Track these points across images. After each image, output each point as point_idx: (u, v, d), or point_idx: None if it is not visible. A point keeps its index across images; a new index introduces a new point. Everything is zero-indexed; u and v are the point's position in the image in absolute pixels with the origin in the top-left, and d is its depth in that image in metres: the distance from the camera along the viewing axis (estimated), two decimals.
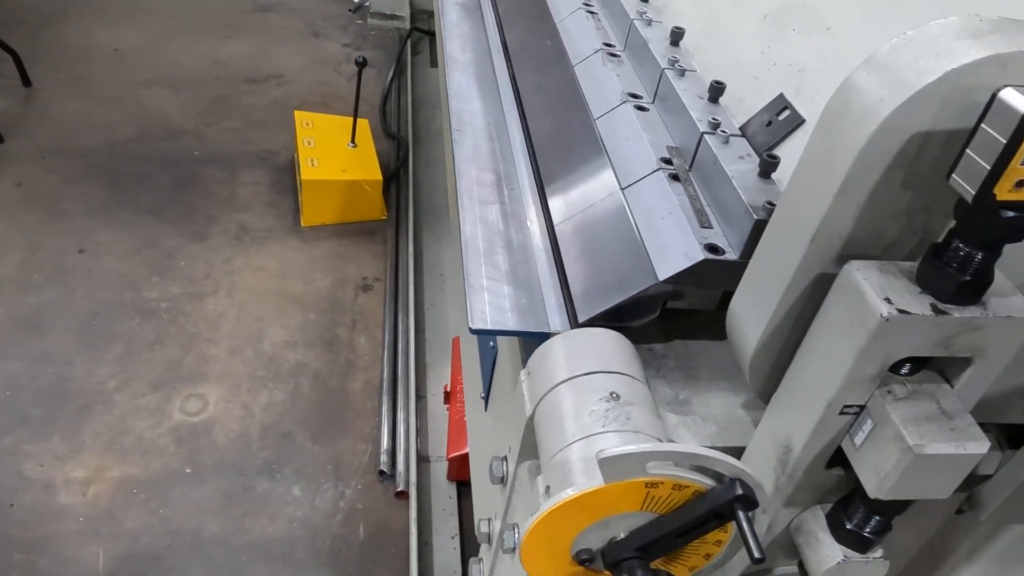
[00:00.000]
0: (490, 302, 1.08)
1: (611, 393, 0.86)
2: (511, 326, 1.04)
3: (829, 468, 0.79)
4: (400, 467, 2.37)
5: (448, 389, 2.50)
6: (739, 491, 0.72)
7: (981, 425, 0.99)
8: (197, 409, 2.50)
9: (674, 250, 1.03)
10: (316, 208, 3.31)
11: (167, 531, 2.17)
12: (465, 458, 2.27)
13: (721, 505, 0.73)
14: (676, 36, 1.39)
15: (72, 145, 3.55)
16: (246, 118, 3.97)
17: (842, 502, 0.80)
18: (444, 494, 2.35)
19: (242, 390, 2.59)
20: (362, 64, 3.29)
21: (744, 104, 1.24)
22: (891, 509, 0.76)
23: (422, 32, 4.94)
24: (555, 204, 1.26)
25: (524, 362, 1.17)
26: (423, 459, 2.43)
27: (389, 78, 4.44)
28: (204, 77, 4.25)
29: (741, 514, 0.72)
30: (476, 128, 1.48)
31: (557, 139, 1.39)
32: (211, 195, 3.41)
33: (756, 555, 0.69)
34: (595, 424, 0.82)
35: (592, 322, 1.04)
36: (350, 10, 5.32)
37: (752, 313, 0.81)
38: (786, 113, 1.17)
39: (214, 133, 3.82)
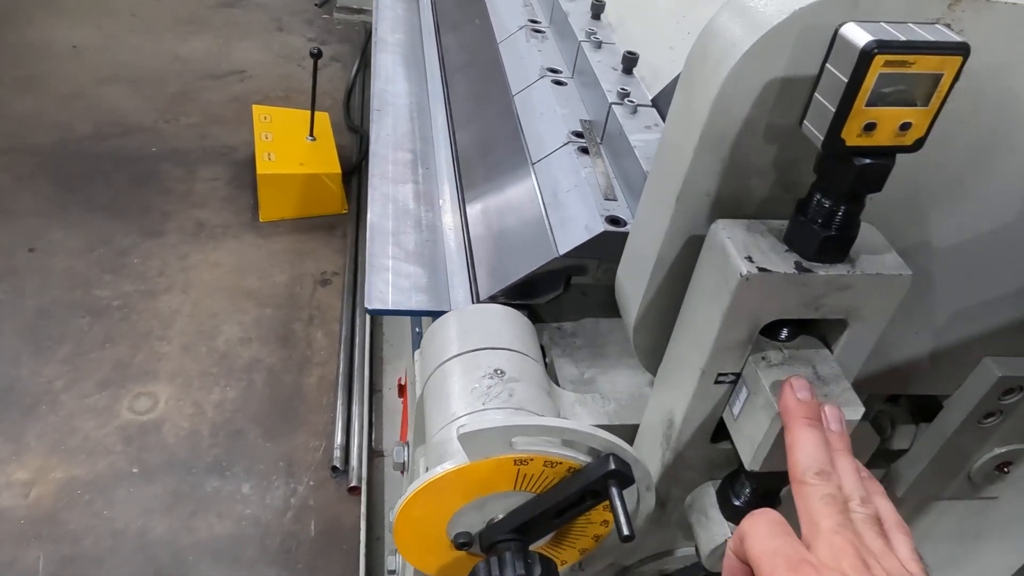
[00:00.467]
0: (393, 283, 1.04)
1: (496, 370, 0.82)
2: (410, 306, 1.00)
3: (715, 442, 0.76)
4: (353, 462, 2.33)
5: (402, 382, 2.46)
6: (611, 466, 0.69)
7: (893, 398, 0.96)
8: (146, 408, 2.45)
9: (576, 223, 0.99)
10: (274, 203, 3.26)
11: (111, 532, 2.12)
12: None
13: (595, 481, 0.69)
14: (597, 9, 1.36)
15: (26, 143, 3.48)
16: (206, 114, 3.91)
17: (730, 478, 0.77)
18: (398, 489, 2.31)
19: (194, 388, 2.54)
20: (317, 55, 3.24)
21: (660, 75, 1.20)
22: (775, 482, 0.72)
23: None
24: (469, 183, 1.22)
25: None
26: (377, 453, 2.39)
27: (353, 72, 4.39)
28: (163, 73, 4.18)
29: (613, 491, 0.68)
30: (398, 108, 1.45)
31: (476, 117, 1.35)
32: (168, 192, 3.36)
33: (625, 532, 0.65)
34: (476, 401, 0.78)
35: (494, 300, 1.00)
36: (316, 4, 5.26)
37: (633, 282, 0.77)
38: None
39: (172, 129, 3.76)
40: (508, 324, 0.89)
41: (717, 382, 0.68)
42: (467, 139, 1.32)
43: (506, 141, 1.23)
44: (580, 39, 1.27)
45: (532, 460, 0.69)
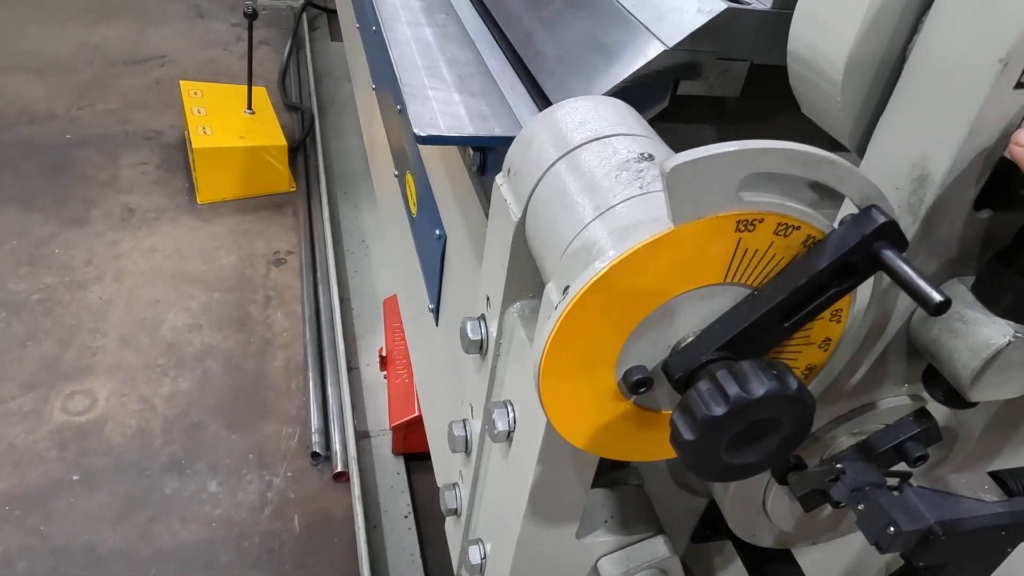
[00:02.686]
0: (440, 110, 0.78)
1: (642, 154, 0.58)
2: (474, 131, 0.75)
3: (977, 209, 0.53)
4: (336, 446, 2.03)
5: (383, 354, 2.18)
6: (880, 219, 0.45)
7: None
8: (83, 407, 2.09)
9: (682, 11, 0.76)
10: (213, 182, 2.92)
11: (51, 551, 1.76)
12: (411, 426, 1.95)
13: (853, 248, 0.45)
14: None
15: None
16: (125, 100, 3.54)
17: (1001, 258, 0.54)
18: (391, 470, 2.02)
19: (138, 381, 2.19)
20: (251, 15, 2.94)
21: None
22: None
23: (318, 8, 4.59)
24: (502, 12, 0.97)
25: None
26: (362, 435, 2.10)
27: (286, 52, 4.07)
28: (73, 61, 3.78)
29: (891, 254, 0.45)
30: None
31: None
32: (88, 179, 2.97)
33: (938, 298, 0.42)
34: (629, 188, 0.54)
35: None
36: None
37: (835, 13, 0.55)
38: None
39: (88, 116, 3.37)
40: (630, 113, 0.65)
41: (1020, 86, 0.46)
42: None
43: None
44: None
45: (761, 222, 0.46)
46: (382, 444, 2.08)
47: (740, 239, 0.46)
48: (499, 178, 0.68)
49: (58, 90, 3.51)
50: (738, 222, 0.45)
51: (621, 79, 0.74)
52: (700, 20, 0.73)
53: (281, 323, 2.48)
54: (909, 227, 0.53)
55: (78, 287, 2.46)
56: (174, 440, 2.05)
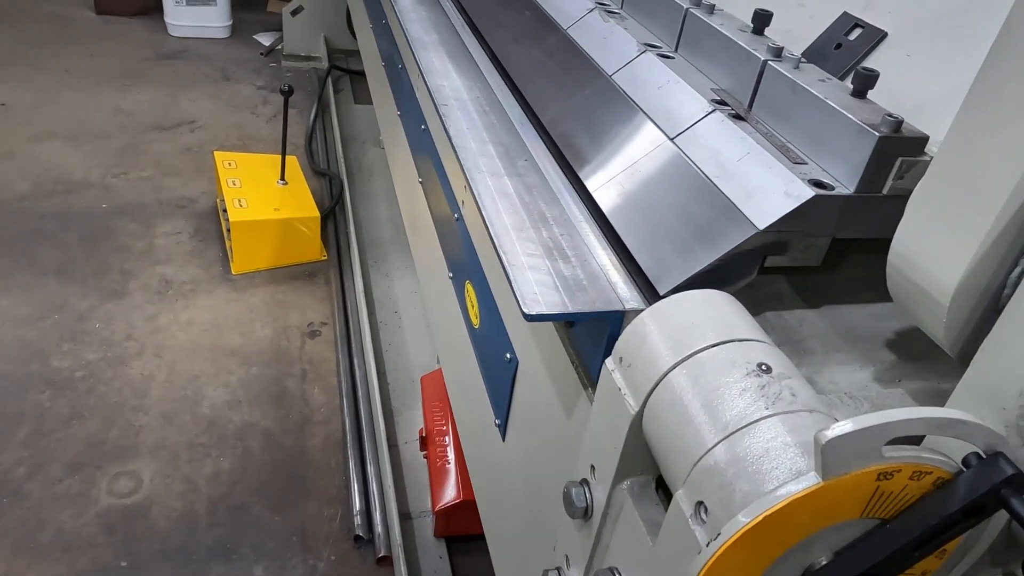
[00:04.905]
0: (537, 281, 0.83)
1: (760, 365, 0.62)
2: (576, 307, 0.80)
3: None
4: (379, 528, 2.05)
5: (423, 434, 2.21)
6: (1009, 471, 0.49)
7: None
8: (129, 489, 2.12)
9: (769, 192, 0.82)
10: (248, 253, 2.99)
11: None
12: (455, 510, 1.98)
13: (984, 494, 0.50)
14: None
15: None
16: (158, 166, 3.62)
17: None
18: (433, 554, 2.04)
19: (181, 461, 2.22)
20: (288, 92, 3.03)
21: (794, 35, 1.06)
22: None
23: (341, 70, 4.71)
24: (586, 169, 1.03)
25: (577, 362, 0.93)
26: (403, 516, 2.12)
27: (312, 116, 4.18)
28: (106, 127, 3.88)
29: (1018, 502, 0.49)
30: (464, 103, 1.26)
31: (567, 102, 1.17)
32: (125, 249, 3.04)
33: None
34: (754, 407, 0.58)
35: (676, 292, 0.81)
36: (261, 53, 5.06)
37: (945, 241, 0.60)
38: (858, 31, 1.00)
39: (123, 184, 3.45)
40: (736, 311, 0.70)
41: None
42: (564, 124, 1.13)
43: (620, 120, 1.05)
44: (686, 6, 1.12)
45: (899, 472, 0.50)
46: (423, 526, 2.11)
47: (879, 486, 0.51)
48: (610, 363, 0.73)
49: (93, 157, 3.60)
50: (879, 474, 0.50)
51: (715, 259, 0.79)
52: (790, 205, 0.78)
53: (318, 398, 2.52)
54: (1017, 448, 0.58)
55: (119, 363, 2.51)
56: (219, 523, 2.07)
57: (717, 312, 0.69)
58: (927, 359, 0.86)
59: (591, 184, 1.01)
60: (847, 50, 0.97)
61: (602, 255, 0.90)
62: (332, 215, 3.35)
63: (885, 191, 0.80)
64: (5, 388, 2.35)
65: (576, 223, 0.96)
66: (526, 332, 1.14)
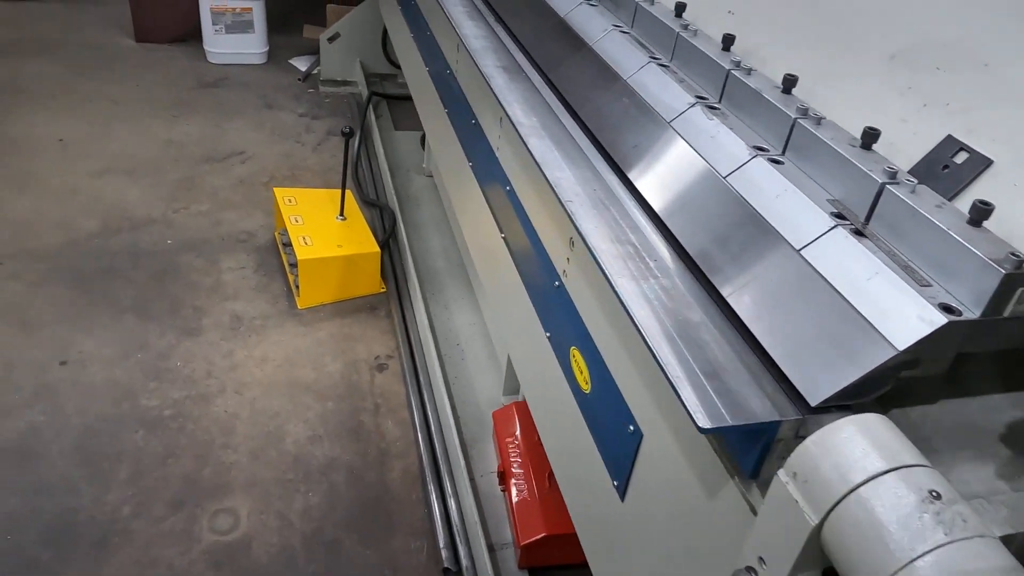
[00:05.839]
0: (695, 386, 0.97)
1: (931, 492, 0.75)
2: (744, 420, 0.93)
3: None
4: (465, 561, 2.19)
5: (502, 469, 2.34)
6: None
7: None
8: (228, 526, 2.26)
9: (903, 314, 0.94)
10: (313, 288, 3.12)
11: None
12: (541, 544, 2.11)
13: None
14: (789, 84, 1.34)
15: (31, 247, 3.26)
16: (215, 200, 3.76)
17: None
18: None
19: (274, 497, 2.36)
20: (349, 134, 3.16)
21: (896, 148, 1.19)
22: None
23: (379, 95, 4.83)
24: (719, 276, 1.16)
25: (721, 451, 1.06)
26: (487, 548, 2.25)
27: (356, 146, 4.30)
28: (160, 160, 4.02)
29: None
30: (582, 197, 1.38)
31: (687, 203, 1.30)
32: (194, 285, 3.18)
33: None
34: (935, 532, 0.71)
35: (827, 404, 0.94)
36: (299, 79, 5.19)
37: None
38: (964, 155, 1.12)
39: (184, 219, 3.59)
40: (896, 436, 0.83)
41: None
42: (688, 227, 1.26)
43: (744, 226, 1.18)
44: (794, 115, 1.24)
45: None
46: (506, 557, 2.24)
47: None
48: (783, 476, 0.86)
49: (152, 192, 3.74)
50: None
51: (858, 377, 0.92)
52: (925, 329, 0.91)
53: (392, 432, 2.65)
54: None
55: (204, 401, 2.65)
56: (315, 558, 2.21)
57: (881, 437, 0.82)
58: None
59: (725, 290, 1.13)
60: (954, 174, 1.10)
61: (739, 364, 1.03)
62: (387, 246, 3.49)
63: (1006, 315, 0.93)
64: (103, 429, 2.49)
65: (718, 330, 1.09)
66: (652, 410, 1.27)
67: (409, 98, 4.89)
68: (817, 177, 1.20)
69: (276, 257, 3.42)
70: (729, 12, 1.63)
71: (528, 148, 1.52)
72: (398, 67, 5.19)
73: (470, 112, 2.39)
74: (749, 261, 1.15)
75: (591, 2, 1.96)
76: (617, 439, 1.37)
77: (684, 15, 1.68)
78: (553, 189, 1.40)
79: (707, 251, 1.21)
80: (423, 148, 4.36)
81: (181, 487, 2.35)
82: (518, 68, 1.93)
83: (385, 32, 5.04)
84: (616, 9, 1.89)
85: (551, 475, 2.24)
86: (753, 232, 1.17)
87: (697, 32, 1.59)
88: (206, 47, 5.22)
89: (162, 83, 4.86)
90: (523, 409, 2.45)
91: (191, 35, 5.38)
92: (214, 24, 5.09)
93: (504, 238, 2.06)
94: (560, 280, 1.64)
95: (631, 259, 1.22)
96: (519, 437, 2.38)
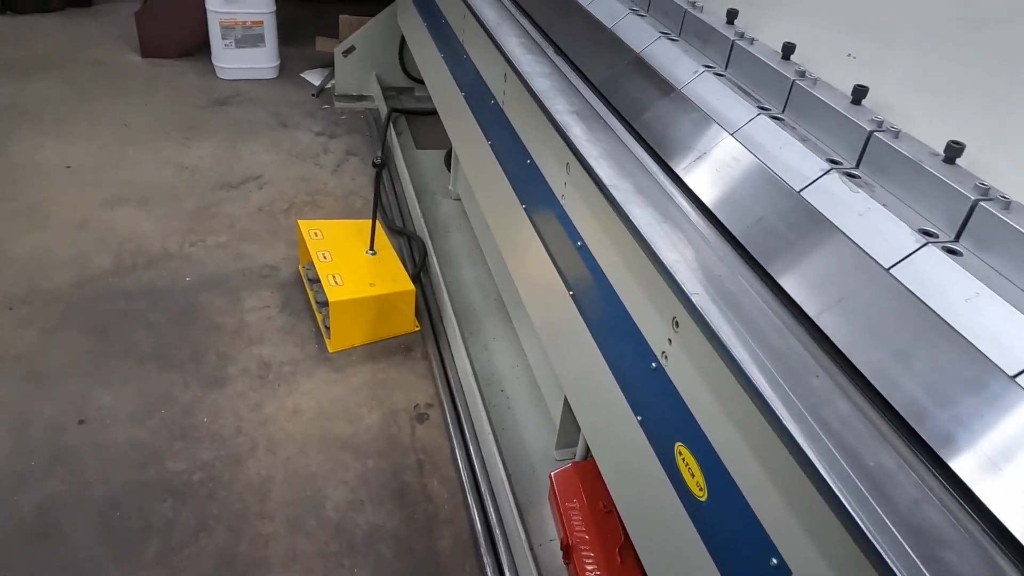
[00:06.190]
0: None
1: None
2: None
3: None
4: None
5: (566, 542, 2.15)
6: None
7: None
8: None
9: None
10: (345, 330, 2.93)
11: None
12: None
13: None
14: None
15: (42, 288, 3.06)
16: (233, 230, 3.56)
17: None
18: None
19: (317, 575, 2.17)
20: (380, 165, 2.96)
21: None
22: None
23: (398, 111, 4.62)
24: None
25: None
26: None
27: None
28: (174, 188, 3.82)
29: None
30: (707, 288, 1.18)
31: (854, 307, 1.10)
32: (217, 328, 2.98)
33: None
34: None
35: None
36: (313, 95, 4.99)
37: None
38: None
39: (202, 253, 3.39)
40: None
41: None
42: (860, 343, 1.05)
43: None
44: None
45: None
46: None
47: None
48: None
49: (167, 223, 3.54)
50: None
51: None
52: None
53: (439, 492, 2.46)
54: None
55: (235, 463, 2.45)
56: None
57: None
58: None
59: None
60: None
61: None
62: (417, 279, 3.29)
63: None
64: (128, 498, 2.30)
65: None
66: (807, 545, 1.07)
67: (430, 112, 4.72)
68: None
69: (301, 293, 3.22)
70: (849, 56, 1.43)
71: (631, 218, 1.32)
72: (416, 80, 4.98)
73: (524, 151, 2.19)
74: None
75: (671, 37, 1.77)
76: (751, 569, 1.17)
77: (793, 57, 1.48)
78: (670, 272, 1.19)
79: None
80: (448, 168, 4.16)
81: (216, 565, 2.15)
82: (594, 113, 1.73)
83: (402, 44, 4.84)
84: (703, 46, 1.69)
85: (623, 549, 2.06)
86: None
87: (816, 81, 1.39)
88: (215, 62, 5.01)
89: (171, 102, 4.65)
90: (584, 471, 2.25)
91: (198, 49, 5.17)
92: (224, 38, 4.88)
93: (573, 296, 1.86)
94: (658, 362, 1.44)
95: (780, 358, 1.02)
96: (583, 504, 2.19)
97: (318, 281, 3.08)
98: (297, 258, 3.39)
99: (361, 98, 4.96)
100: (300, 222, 3.23)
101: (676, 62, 1.63)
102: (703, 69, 1.57)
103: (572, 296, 1.87)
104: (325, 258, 3.03)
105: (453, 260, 3.45)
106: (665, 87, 1.61)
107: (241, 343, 2.92)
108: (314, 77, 5.21)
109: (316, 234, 3.17)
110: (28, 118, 4.27)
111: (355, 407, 2.72)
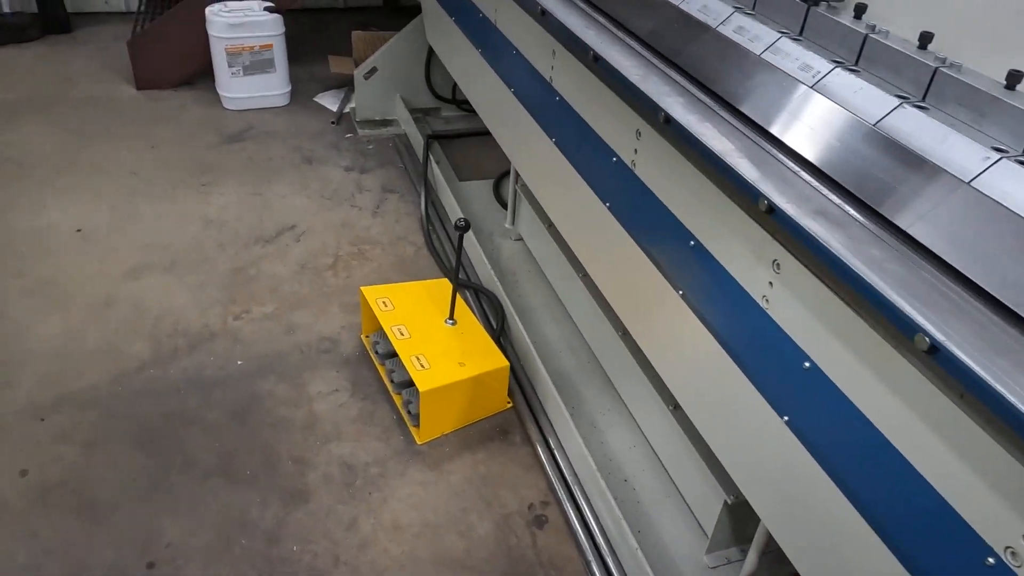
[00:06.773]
0: None
1: None
2: None
3: None
4: None
5: None
6: None
7: None
8: None
9: None
10: (435, 419, 2.55)
11: None
12: None
13: None
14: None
15: (73, 390, 2.64)
16: (278, 296, 3.15)
17: None
18: None
19: None
20: (464, 228, 2.57)
21: None
22: None
23: (434, 137, 4.21)
24: None
25: None
26: None
27: (423, 207, 3.71)
28: (203, 248, 3.39)
29: None
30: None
31: None
32: (285, 424, 2.59)
33: None
34: None
35: None
36: (332, 122, 4.56)
37: None
38: None
39: (249, 327, 2.98)
40: None
41: None
42: None
43: None
44: None
45: None
46: None
47: None
48: None
49: (202, 292, 3.12)
50: None
51: None
52: None
53: None
54: None
55: None
56: None
57: None
58: None
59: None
60: None
61: None
62: (497, 343, 2.91)
63: None
64: None
65: None
66: None
67: (468, 134, 4.32)
68: None
69: (370, 371, 2.83)
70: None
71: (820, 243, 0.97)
72: (445, 100, 4.57)
73: (662, 206, 1.82)
74: None
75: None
76: None
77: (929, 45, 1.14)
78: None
79: None
80: (498, 201, 3.78)
81: None
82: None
83: (429, 61, 4.42)
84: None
85: None
86: None
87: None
88: (221, 92, 4.54)
89: (180, 141, 4.19)
90: None
91: (198, 77, 4.71)
92: (230, 66, 4.41)
93: (742, 369, 1.51)
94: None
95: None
96: None
97: (391, 356, 2.70)
98: (358, 326, 2.99)
99: (385, 123, 4.54)
100: (363, 290, 2.83)
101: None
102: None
103: (741, 369, 1.53)
104: (402, 335, 2.64)
105: (531, 317, 3.07)
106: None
107: (316, 441, 2.53)
108: (329, 101, 4.77)
109: (385, 304, 2.78)
110: (22, 172, 3.79)
111: (462, 514, 2.35)
